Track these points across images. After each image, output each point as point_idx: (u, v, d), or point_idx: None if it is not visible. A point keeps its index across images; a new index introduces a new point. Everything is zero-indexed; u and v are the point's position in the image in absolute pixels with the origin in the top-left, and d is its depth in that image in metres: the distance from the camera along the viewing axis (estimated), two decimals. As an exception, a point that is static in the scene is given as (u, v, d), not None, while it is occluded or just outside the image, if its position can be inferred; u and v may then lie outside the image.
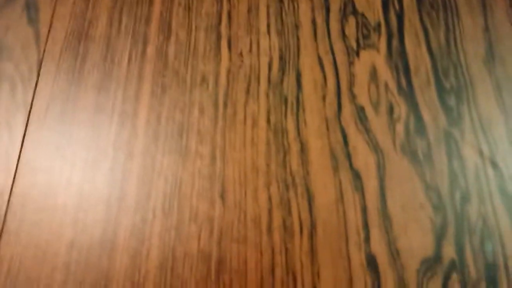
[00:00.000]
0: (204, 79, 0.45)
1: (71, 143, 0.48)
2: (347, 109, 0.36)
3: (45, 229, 0.41)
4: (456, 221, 0.29)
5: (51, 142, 0.49)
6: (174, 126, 0.44)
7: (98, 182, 0.44)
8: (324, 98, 0.37)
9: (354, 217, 0.32)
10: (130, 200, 0.42)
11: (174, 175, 0.41)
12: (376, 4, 0.39)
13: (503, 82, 0.32)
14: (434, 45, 0.35)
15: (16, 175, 0.45)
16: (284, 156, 0.37)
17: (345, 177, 0.33)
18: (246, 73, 0.42)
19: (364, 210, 0.32)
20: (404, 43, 0.36)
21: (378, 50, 0.37)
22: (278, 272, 0.33)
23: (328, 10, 0.41)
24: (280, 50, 0.41)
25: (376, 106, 0.35)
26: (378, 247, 0.30)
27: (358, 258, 0.30)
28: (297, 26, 0.41)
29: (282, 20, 0.42)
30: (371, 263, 0.30)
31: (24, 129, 0.50)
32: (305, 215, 0.34)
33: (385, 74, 0.36)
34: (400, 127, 0.33)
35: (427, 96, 0.34)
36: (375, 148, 0.34)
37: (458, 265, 0.28)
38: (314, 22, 0.41)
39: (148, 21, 0.52)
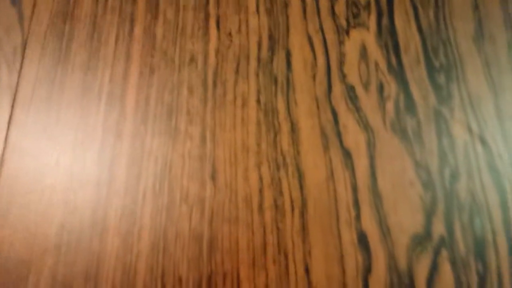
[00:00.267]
0: (192, 59, 0.43)
1: (59, 125, 0.46)
2: (337, 88, 0.35)
3: (34, 211, 0.40)
4: (445, 198, 0.29)
5: (38, 124, 0.47)
6: (163, 107, 0.43)
7: (87, 163, 0.42)
8: (314, 77, 0.36)
9: (344, 196, 0.31)
10: (120, 182, 0.40)
11: (164, 156, 0.40)
12: (366, -19, 0.38)
13: (492, 60, 0.32)
14: (423, 23, 0.34)
15: (3, 158, 0.43)
16: (275, 136, 0.36)
17: (336, 155, 0.33)
18: (236, 52, 0.41)
19: (354, 188, 0.31)
20: (394, 22, 0.35)
21: (368, 29, 0.36)
22: (270, 251, 0.32)
23: (317, -12, 0.39)
24: (270, 29, 0.39)
25: (366, 85, 0.34)
26: (369, 225, 0.30)
27: (349, 236, 0.30)
28: (286, 5, 0.40)
29: (271, -2, 0.40)
30: (362, 240, 0.30)
31: (10, 111, 0.48)
32: (296, 194, 0.33)
33: (375, 52, 0.34)
34: (390, 106, 0.33)
35: (417, 75, 0.33)
36: (366, 126, 0.33)
37: (447, 242, 0.27)
38: (303, 0, 0.39)
39: (135, 0, 0.49)
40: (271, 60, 0.38)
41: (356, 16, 0.37)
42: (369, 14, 0.36)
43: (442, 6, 0.35)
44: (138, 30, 0.49)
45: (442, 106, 0.31)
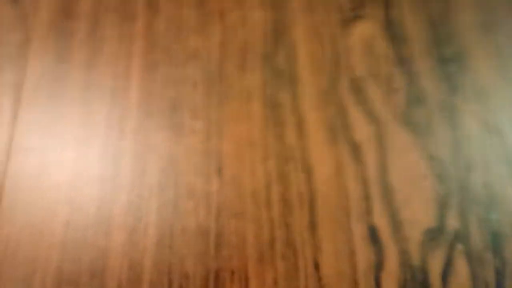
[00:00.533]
0: (196, 54, 0.42)
1: (62, 122, 0.45)
2: (345, 81, 0.33)
3: (40, 208, 0.39)
4: (460, 191, 0.27)
5: (42, 121, 0.46)
6: (167, 102, 0.41)
7: (91, 160, 0.41)
8: (320, 70, 0.34)
9: (354, 190, 0.30)
10: (125, 178, 0.39)
11: (169, 152, 0.39)
12: (372, -29, 0.36)
13: (502, 48, 0.30)
14: (432, 13, 0.33)
15: (9, 156, 0.42)
16: (281, 130, 0.34)
17: (344, 149, 0.31)
18: (240, 46, 0.39)
19: (364, 182, 0.30)
20: (402, 12, 0.34)
21: (375, 20, 0.34)
22: (278, 246, 0.31)
23: (322, -21, 0.38)
24: (274, 22, 0.38)
25: (374, 76, 0.32)
26: (380, 219, 0.28)
27: (360, 231, 0.29)
28: (291, -3, 0.38)
29: (275, -9, 0.38)
30: (373, 235, 0.28)
31: (14, 109, 0.46)
32: (304, 189, 0.31)
33: (383, 44, 0.33)
34: (399, 98, 0.31)
35: (426, 66, 0.31)
36: (374, 119, 0.31)
37: (462, 236, 0.26)
38: (308, -8, 0.38)
39: (136, -4, 0.48)
40: (276, 54, 0.37)
41: (363, 7, 0.35)
42: (376, 4, 0.35)
43: (450, -4, 0.33)
44: (139, 27, 0.47)
45: (453, 97, 0.30)
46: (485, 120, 0.28)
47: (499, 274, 0.25)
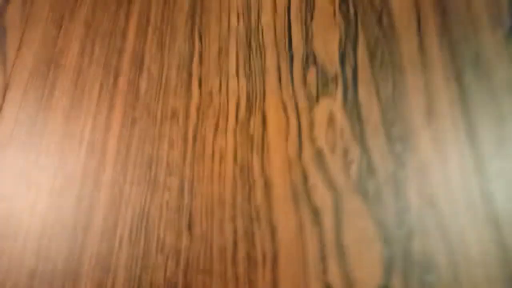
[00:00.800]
0: (174, 114, 0.45)
1: (37, 169, 0.46)
2: (308, 150, 0.38)
3: (7, 257, 0.39)
4: (403, 255, 0.31)
5: (16, 167, 0.47)
6: (143, 157, 0.44)
7: (64, 209, 0.42)
8: (286, 139, 0.39)
9: (313, 250, 0.33)
10: (97, 229, 0.41)
11: (142, 206, 0.41)
12: (334, 58, 0.42)
13: (443, 132, 0.36)
14: (383, 97, 0.39)
15: (-25, 200, 0.43)
16: (249, 191, 0.38)
17: (305, 212, 0.35)
18: (215, 111, 0.44)
19: (322, 243, 0.33)
20: (358, 94, 0.40)
21: (335, 99, 0.40)
22: (242, 302, 0.33)
23: (292, 59, 0.43)
24: (248, 92, 0.43)
25: (333, 148, 0.37)
26: (335, 278, 0.32)
27: (316, 289, 0.32)
28: (263, 71, 0.43)
29: (250, 65, 0.44)
30: (328, 293, 0.32)
31: (-16, 152, 0.47)
32: (268, 248, 0.35)
33: (341, 120, 0.38)
34: (354, 169, 0.36)
35: (377, 142, 0.37)
36: (332, 186, 0.36)
37: (404, 296, 0.30)
38: (279, 69, 0.43)
39: (121, 53, 0.52)
40: (248, 120, 0.41)
41: (325, 86, 0.41)
42: (336, 85, 0.41)
43: (398, 83, 0.39)
44: (122, 83, 0.51)
45: (399, 171, 0.35)
46: (424, 193, 0.33)
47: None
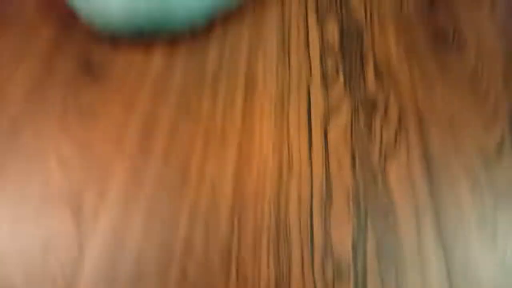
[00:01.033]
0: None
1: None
2: None
3: None
4: None
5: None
6: None
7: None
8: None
9: None
10: None
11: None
12: (347, 249, 0.51)
13: None
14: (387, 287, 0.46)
15: None
16: None
17: None
18: (247, 292, 0.52)
19: None
20: (366, 285, 0.47)
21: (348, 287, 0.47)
22: None
23: (312, 250, 0.53)
24: (276, 278, 0.51)
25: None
26: None
27: None
28: (289, 260, 0.53)
29: (278, 255, 0.54)
30: None
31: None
32: None
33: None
34: None
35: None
36: None
37: None
38: (302, 259, 0.53)
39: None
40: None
41: (339, 275, 0.49)
42: (349, 276, 0.49)
43: (400, 275, 0.47)
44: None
45: None
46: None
47: None
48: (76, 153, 0.65)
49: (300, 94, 0.71)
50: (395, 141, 0.64)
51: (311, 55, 0.77)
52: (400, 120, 0.67)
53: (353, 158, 0.62)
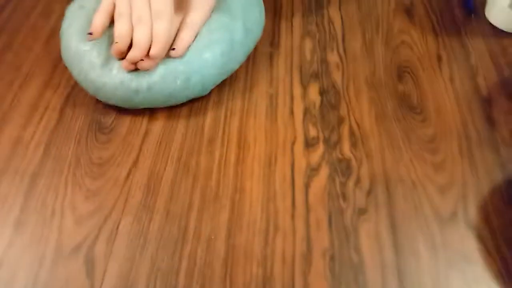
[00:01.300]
0: None
1: None
2: None
3: None
4: None
5: None
6: None
7: None
8: None
9: None
10: None
11: None
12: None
13: None
14: None
15: None
16: None
17: None
18: None
19: None
20: None
21: None
22: None
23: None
24: None
25: None
26: None
27: None
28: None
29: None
30: None
31: None
32: None
33: None
34: None
35: None
36: None
37: None
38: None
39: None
40: None
41: None
42: None
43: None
44: None
45: None
46: None
47: None
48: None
49: (286, 155, 0.82)
50: (366, 201, 0.75)
51: (295, 119, 0.88)
52: (370, 181, 0.78)
53: (329, 216, 0.73)
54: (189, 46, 0.76)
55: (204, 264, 0.67)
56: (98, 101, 0.89)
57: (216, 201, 0.75)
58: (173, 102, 0.85)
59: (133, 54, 0.71)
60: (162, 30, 0.70)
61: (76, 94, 0.91)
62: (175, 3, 0.75)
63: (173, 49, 0.74)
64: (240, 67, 0.96)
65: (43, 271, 0.65)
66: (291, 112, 0.89)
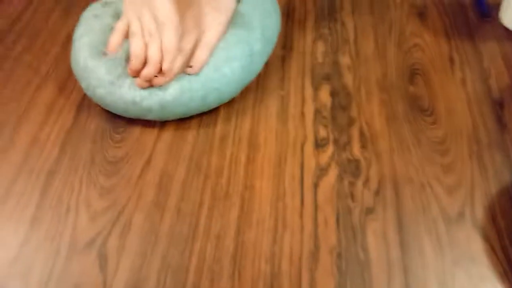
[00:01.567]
0: None
1: None
2: None
3: None
4: None
5: None
6: None
7: None
8: None
9: None
10: None
11: None
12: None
13: None
14: None
15: None
16: None
17: None
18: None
19: None
20: None
21: None
22: None
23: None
24: None
25: None
26: None
27: None
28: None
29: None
30: None
31: None
32: None
33: None
34: None
35: None
36: None
37: None
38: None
39: None
40: None
41: None
42: None
43: None
44: None
45: None
46: None
47: None
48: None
49: (295, 156, 0.84)
50: (374, 201, 0.77)
51: (306, 120, 0.90)
52: (379, 182, 0.80)
53: (337, 215, 0.75)
54: (206, 63, 0.76)
55: (213, 261, 0.69)
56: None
57: (227, 199, 0.78)
58: (188, 115, 0.88)
59: (147, 71, 0.71)
60: (169, 42, 0.73)
61: (92, 95, 0.95)
62: (191, 22, 0.76)
63: (190, 66, 0.76)
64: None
65: (58, 266, 0.69)
66: (302, 113, 0.91)
